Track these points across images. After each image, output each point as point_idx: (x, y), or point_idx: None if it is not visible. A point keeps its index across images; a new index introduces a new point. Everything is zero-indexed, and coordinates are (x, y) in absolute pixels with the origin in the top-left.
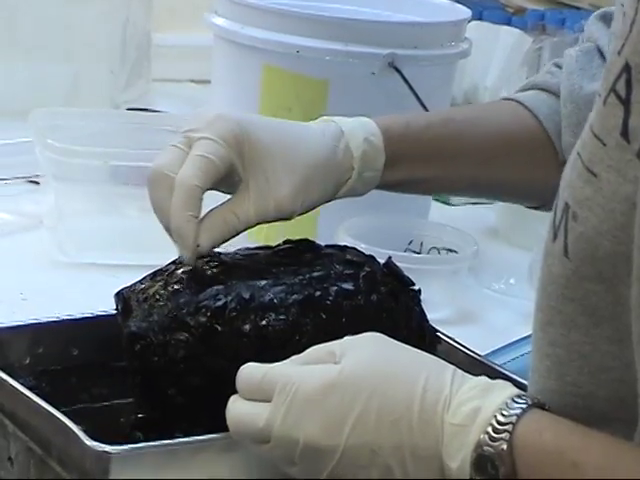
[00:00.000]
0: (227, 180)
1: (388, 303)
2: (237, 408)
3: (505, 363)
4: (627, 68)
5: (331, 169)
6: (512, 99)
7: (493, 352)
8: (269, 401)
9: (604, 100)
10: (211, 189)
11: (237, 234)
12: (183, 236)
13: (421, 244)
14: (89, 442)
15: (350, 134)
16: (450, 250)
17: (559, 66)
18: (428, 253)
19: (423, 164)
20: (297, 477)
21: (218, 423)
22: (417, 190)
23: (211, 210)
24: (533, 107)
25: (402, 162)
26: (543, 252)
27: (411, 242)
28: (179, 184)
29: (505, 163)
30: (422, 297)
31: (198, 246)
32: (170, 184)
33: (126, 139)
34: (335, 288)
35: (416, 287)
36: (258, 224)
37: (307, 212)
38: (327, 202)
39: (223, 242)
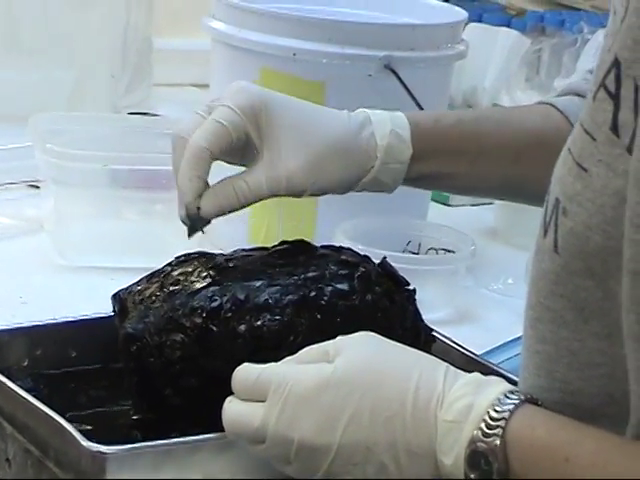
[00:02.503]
0: (245, 152)
1: (383, 303)
2: (233, 408)
3: (501, 362)
4: (616, 63)
5: (352, 153)
6: (545, 102)
7: (489, 351)
8: (264, 401)
9: (594, 96)
10: (232, 163)
11: (248, 204)
12: (182, 193)
13: (419, 245)
14: (85, 443)
15: (378, 124)
16: (448, 250)
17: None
18: (426, 254)
19: (453, 159)
20: (293, 476)
21: (214, 423)
22: (447, 186)
23: (225, 178)
24: (565, 109)
25: (431, 156)
26: (534, 249)
27: (409, 243)
28: (189, 145)
29: (535, 162)
30: (420, 297)
31: (199, 209)
32: (185, 147)
33: (126, 143)
34: (330, 288)
35: (411, 287)
36: (272, 197)
37: (324, 194)
38: (349, 190)
39: (232, 210)
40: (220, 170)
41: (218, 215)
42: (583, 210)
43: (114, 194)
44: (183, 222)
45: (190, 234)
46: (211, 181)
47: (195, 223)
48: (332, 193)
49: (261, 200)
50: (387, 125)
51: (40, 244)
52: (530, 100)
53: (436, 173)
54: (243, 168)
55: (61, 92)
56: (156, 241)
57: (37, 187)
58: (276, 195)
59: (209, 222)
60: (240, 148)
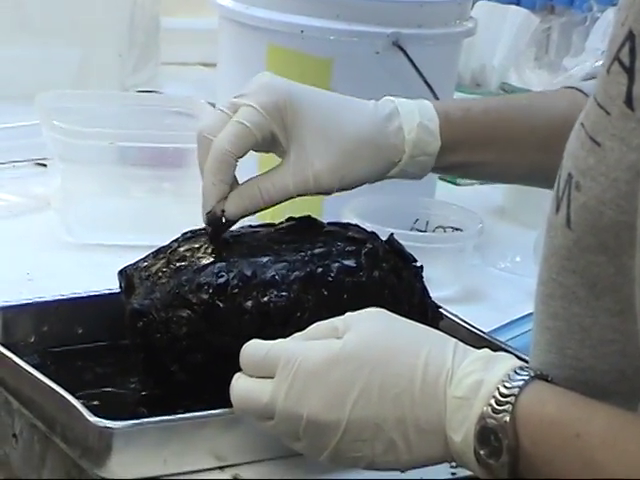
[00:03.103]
0: (273, 149)
1: (390, 280)
2: (241, 385)
3: (509, 340)
4: (631, 36)
5: (379, 148)
6: (572, 87)
7: (497, 329)
8: (273, 377)
9: (607, 69)
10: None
11: (275, 204)
12: (205, 198)
13: (427, 223)
14: (92, 418)
15: (406, 116)
16: (456, 229)
17: None
18: (434, 232)
19: (482, 148)
20: (302, 452)
21: (221, 399)
22: (476, 174)
23: (251, 178)
24: (591, 93)
25: (461, 146)
26: (546, 225)
27: (417, 221)
28: (213, 148)
29: (563, 147)
30: (428, 275)
31: (223, 211)
32: (209, 146)
33: (133, 121)
34: (337, 265)
35: (418, 263)
36: (299, 196)
37: (352, 188)
38: (375, 181)
39: (257, 211)
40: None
41: (243, 216)
42: (596, 184)
43: (121, 172)
44: (207, 225)
45: (213, 238)
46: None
47: (218, 226)
48: (359, 186)
49: (288, 200)
50: (415, 117)
51: (47, 222)
52: (539, 79)
53: (465, 162)
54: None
55: (68, 70)
56: (164, 219)
57: (44, 165)
58: (304, 194)
59: (235, 223)
60: (267, 145)
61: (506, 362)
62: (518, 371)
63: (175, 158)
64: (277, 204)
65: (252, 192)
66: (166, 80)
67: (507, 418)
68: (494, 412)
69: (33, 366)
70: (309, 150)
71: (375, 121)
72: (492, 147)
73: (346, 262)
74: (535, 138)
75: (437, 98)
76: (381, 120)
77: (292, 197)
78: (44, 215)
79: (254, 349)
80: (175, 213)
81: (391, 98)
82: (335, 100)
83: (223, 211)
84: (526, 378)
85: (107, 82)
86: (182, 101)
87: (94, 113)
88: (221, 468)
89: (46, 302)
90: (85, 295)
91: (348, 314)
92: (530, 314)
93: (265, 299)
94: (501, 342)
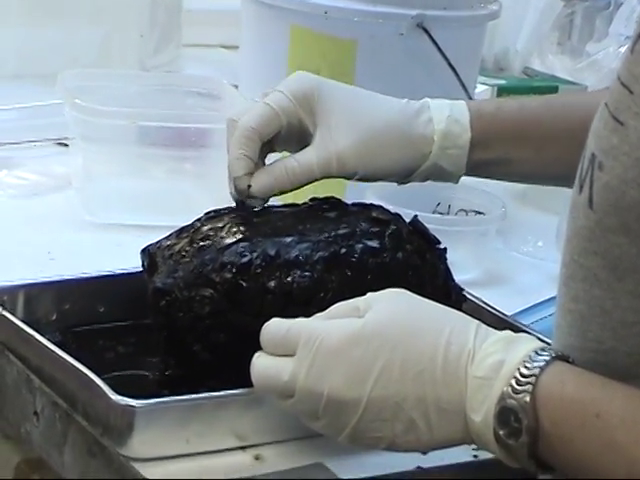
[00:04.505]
0: (302, 140)
1: (414, 261)
2: (261, 363)
3: (531, 323)
4: None
5: (407, 138)
6: None
7: (519, 312)
8: (293, 355)
9: (632, 48)
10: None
11: (300, 185)
12: (230, 171)
13: (449, 206)
14: (114, 396)
15: (435, 109)
16: (478, 212)
17: None
18: (456, 215)
19: (516, 144)
20: (322, 432)
21: (243, 380)
22: (511, 173)
23: (278, 158)
24: None
25: (494, 142)
26: (569, 206)
27: (439, 204)
28: (238, 126)
29: None
30: (450, 259)
31: (249, 186)
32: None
33: (154, 100)
34: (360, 246)
35: (442, 245)
36: (323, 177)
37: (378, 178)
38: (409, 177)
39: (283, 191)
40: None
41: (269, 194)
42: (619, 164)
43: (142, 152)
44: (234, 199)
45: (239, 209)
46: None
47: (244, 199)
48: (390, 179)
49: (313, 181)
50: (445, 111)
51: (68, 201)
52: (561, 64)
53: (499, 159)
54: None
55: (90, 51)
56: (184, 199)
57: (66, 145)
58: (328, 176)
59: (266, 201)
60: (296, 134)
61: (527, 343)
62: (539, 352)
63: (196, 138)
64: (302, 186)
65: (278, 170)
66: (187, 62)
67: (527, 398)
68: (514, 392)
69: (55, 344)
70: (334, 131)
71: (405, 112)
72: (527, 144)
73: (370, 243)
74: (570, 138)
75: (461, 80)
76: (411, 112)
77: (317, 179)
78: (65, 195)
79: (275, 327)
80: (195, 194)
81: (426, 98)
82: (365, 94)
83: (249, 186)
84: (547, 359)
85: (128, 63)
86: (203, 81)
87: (116, 92)
88: (242, 448)
89: (68, 280)
90: (107, 274)
91: (370, 294)
92: (552, 298)
93: (288, 279)
94: (523, 325)
